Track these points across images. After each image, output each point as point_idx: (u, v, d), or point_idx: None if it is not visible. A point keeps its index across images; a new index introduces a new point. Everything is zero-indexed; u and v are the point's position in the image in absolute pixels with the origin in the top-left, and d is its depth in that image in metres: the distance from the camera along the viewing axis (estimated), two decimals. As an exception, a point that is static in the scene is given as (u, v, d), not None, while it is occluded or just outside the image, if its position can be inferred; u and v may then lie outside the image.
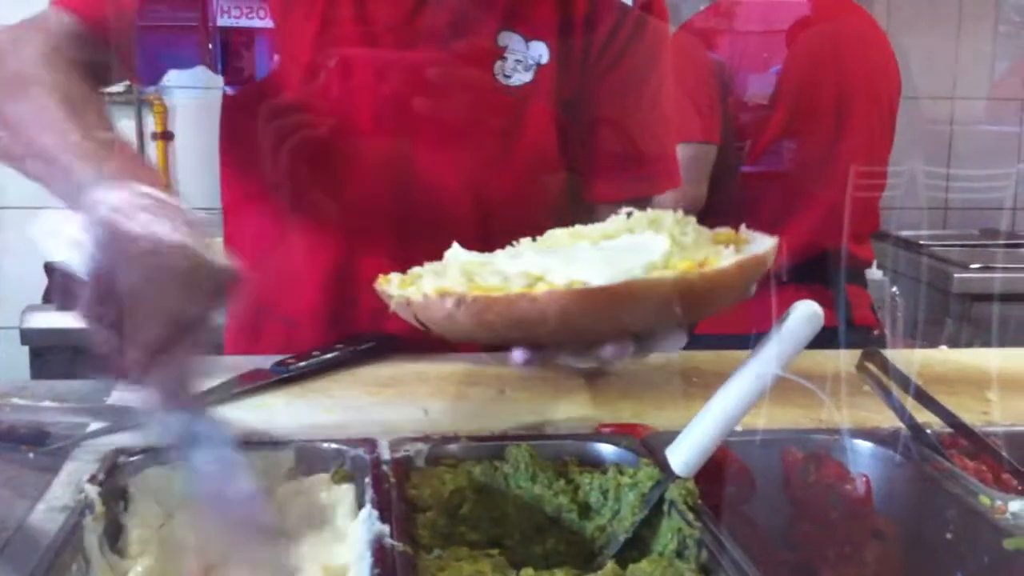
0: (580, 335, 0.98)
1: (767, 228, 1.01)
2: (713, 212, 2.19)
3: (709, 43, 2.45)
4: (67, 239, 0.89)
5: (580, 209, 1.52)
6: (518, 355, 0.98)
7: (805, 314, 0.94)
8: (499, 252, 1.05)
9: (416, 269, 1.05)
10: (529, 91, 1.45)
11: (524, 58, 1.44)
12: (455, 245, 1.07)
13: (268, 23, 1.45)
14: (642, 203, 1.54)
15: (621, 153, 1.53)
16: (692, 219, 1.01)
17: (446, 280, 0.97)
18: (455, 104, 1.45)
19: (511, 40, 1.44)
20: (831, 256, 2.39)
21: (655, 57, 1.54)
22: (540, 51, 1.44)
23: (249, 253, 1.42)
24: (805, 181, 2.44)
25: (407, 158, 1.44)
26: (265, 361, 1.38)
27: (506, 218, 1.39)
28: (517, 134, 1.47)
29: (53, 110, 1.19)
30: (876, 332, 2.49)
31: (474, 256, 1.03)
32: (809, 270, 2.34)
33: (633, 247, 0.97)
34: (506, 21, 1.44)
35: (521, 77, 1.44)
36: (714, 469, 1.03)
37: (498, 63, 1.44)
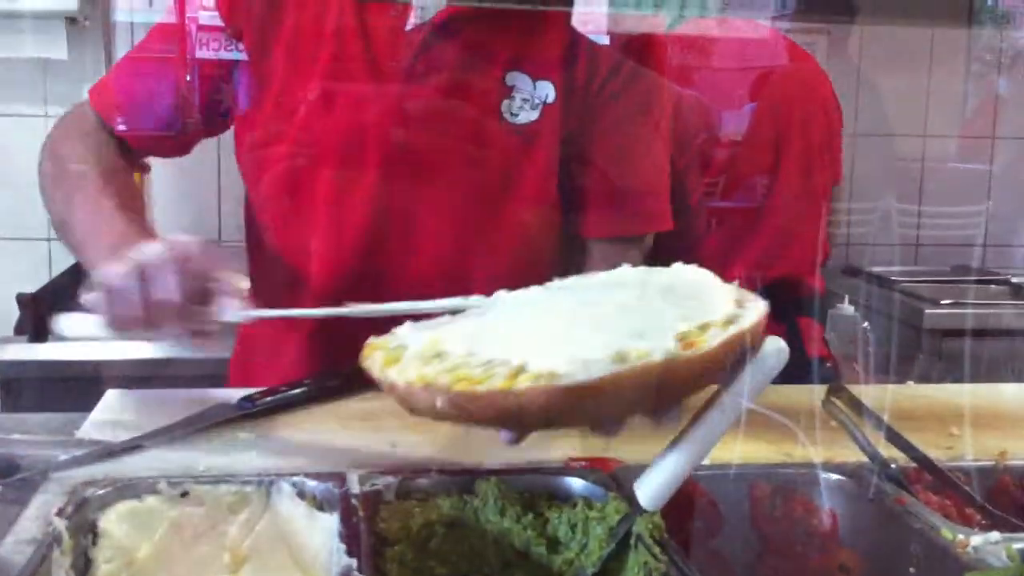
0: (565, 425, 0.97)
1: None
2: (659, 249, 2.20)
3: None
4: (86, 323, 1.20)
5: (571, 245, 1.54)
6: (505, 435, 0.96)
7: (772, 349, 0.95)
8: (491, 311, 1.02)
9: (401, 337, 1.01)
10: (535, 129, 1.47)
11: (531, 97, 1.46)
12: (445, 317, 1.05)
13: (241, 56, 1.47)
14: (633, 241, 1.57)
15: (613, 189, 1.55)
16: None
17: (430, 367, 0.93)
18: (462, 142, 1.47)
19: (518, 80, 1.47)
20: (780, 288, 2.39)
21: (649, 100, 1.58)
22: (547, 90, 1.47)
23: (257, 286, 1.38)
24: (745, 217, 2.45)
25: (410, 195, 1.46)
26: (233, 396, 1.37)
27: (508, 254, 1.41)
28: (521, 171, 1.49)
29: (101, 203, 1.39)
30: (829, 364, 2.50)
31: (462, 346, 0.95)
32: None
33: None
34: (514, 62, 1.47)
35: (528, 115, 1.46)
36: (683, 503, 1.04)
37: (505, 102, 1.46)
